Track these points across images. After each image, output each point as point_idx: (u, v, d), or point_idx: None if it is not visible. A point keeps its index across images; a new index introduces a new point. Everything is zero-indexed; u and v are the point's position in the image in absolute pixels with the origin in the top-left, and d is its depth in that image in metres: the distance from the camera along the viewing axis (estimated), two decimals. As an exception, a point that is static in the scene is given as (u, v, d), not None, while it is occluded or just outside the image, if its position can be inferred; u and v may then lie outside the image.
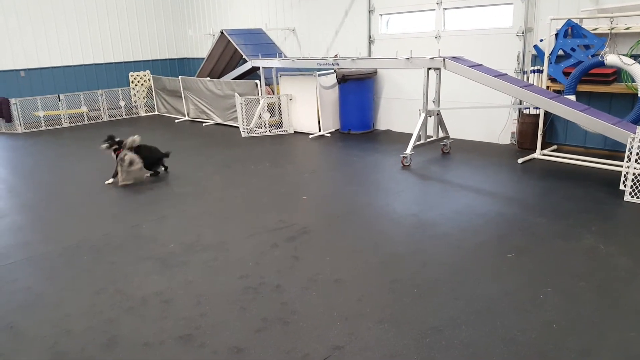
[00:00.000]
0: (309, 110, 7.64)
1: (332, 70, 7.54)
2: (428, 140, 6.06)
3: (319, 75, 7.42)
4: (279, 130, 7.88)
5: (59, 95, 9.35)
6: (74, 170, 6.21)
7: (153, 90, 10.51)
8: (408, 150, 5.70)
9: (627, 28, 5.16)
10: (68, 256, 3.64)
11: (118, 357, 2.44)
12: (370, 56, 7.76)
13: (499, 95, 5.74)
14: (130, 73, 10.68)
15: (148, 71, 10.86)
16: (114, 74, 10.79)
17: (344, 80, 7.42)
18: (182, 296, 3.00)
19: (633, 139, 4.25)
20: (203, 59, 9.48)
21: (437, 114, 6.08)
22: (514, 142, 6.47)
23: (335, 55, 7.04)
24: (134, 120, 9.95)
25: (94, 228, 4.17)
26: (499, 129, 6.58)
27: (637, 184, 4.29)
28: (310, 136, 7.51)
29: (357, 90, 7.51)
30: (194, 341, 2.55)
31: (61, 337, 2.62)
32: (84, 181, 5.65)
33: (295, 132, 7.87)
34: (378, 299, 2.89)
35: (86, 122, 9.68)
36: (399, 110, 7.65)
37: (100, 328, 2.69)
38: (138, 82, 10.65)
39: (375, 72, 7.62)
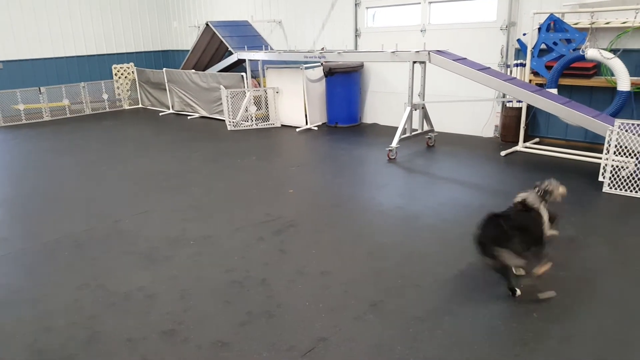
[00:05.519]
0: (295, 103, 7.61)
1: (319, 63, 7.50)
2: (413, 133, 6.08)
3: (306, 68, 7.38)
4: (265, 123, 7.83)
5: (39, 88, 9.14)
6: (55, 164, 6.09)
7: (137, 82, 10.34)
8: (394, 144, 5.72)
9: (607, 23, 5.23)
10: (48, 252, 3.58)
11: (100, 353, 2.42)
12: (356, 49, 7.74)
13: (483, 89, 5.79)
14: (114, 65, 10.48)
15: (132, 63, 10.68)
16: (96, 67, 10.58)
17: (330, 73, 7.39)
18: (165, 291, 2.98)
19: (612, 132, 4.33)
20: (188, 51, 9.35)
21: (422, 108, 6.11)
22: (497, 135, 6.54)
23: (322, 48, 7.02)
24: (117, 113, 9.79)
25: (74, 223, 4.11)
26: (483, 122, 6.64)
27: (616, 176, 4.38)
28: (297, 129, 7.48)
29: (343, 83, 7.49)
30: (177, 336, 2.54)
31: (41, 334, 2.58)
32: (64, 176, 5.55)
33: (282, 125, 7.83)
34: (363, 290, 2.90)
35: (68, 115, 9.49)
36: (385, 104, 7.67)
37: (82, 324, 2.66)
38: (121, 74, 10.47)
39: (361, 66, 7.61)
